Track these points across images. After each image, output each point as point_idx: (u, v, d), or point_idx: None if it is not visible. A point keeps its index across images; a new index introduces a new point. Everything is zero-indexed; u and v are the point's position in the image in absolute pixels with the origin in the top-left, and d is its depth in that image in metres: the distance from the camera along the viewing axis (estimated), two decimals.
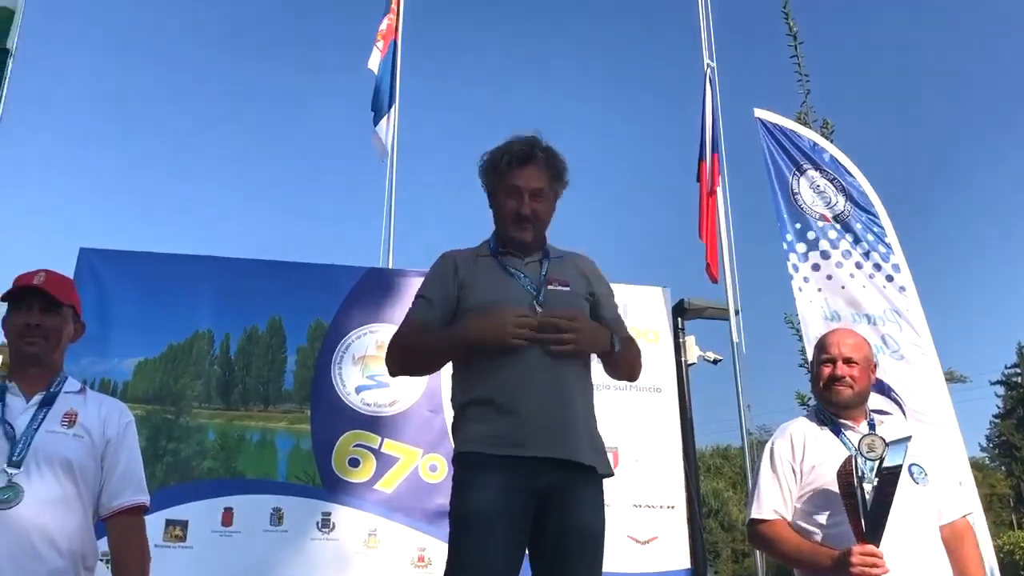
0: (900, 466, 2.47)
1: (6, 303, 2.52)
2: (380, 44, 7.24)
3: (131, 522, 2.50)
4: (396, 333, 2.70)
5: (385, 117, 7.03)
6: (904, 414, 4.65)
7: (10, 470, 2.28)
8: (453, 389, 2.66)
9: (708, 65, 6.45)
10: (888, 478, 2.46)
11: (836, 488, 2.54)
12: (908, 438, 2.58)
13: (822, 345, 2.88)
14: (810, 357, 2.91)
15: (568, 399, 2.53)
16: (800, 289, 5.32)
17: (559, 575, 2.43)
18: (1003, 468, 37.32)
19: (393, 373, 2.76)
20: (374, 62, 7.19)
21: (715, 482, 34.70)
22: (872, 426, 2.74)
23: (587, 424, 2.59)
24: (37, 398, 2.44)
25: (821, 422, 2.80)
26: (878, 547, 2.42)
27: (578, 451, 2.49)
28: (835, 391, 2.76)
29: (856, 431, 2.71)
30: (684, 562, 5.16)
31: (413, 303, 2.71)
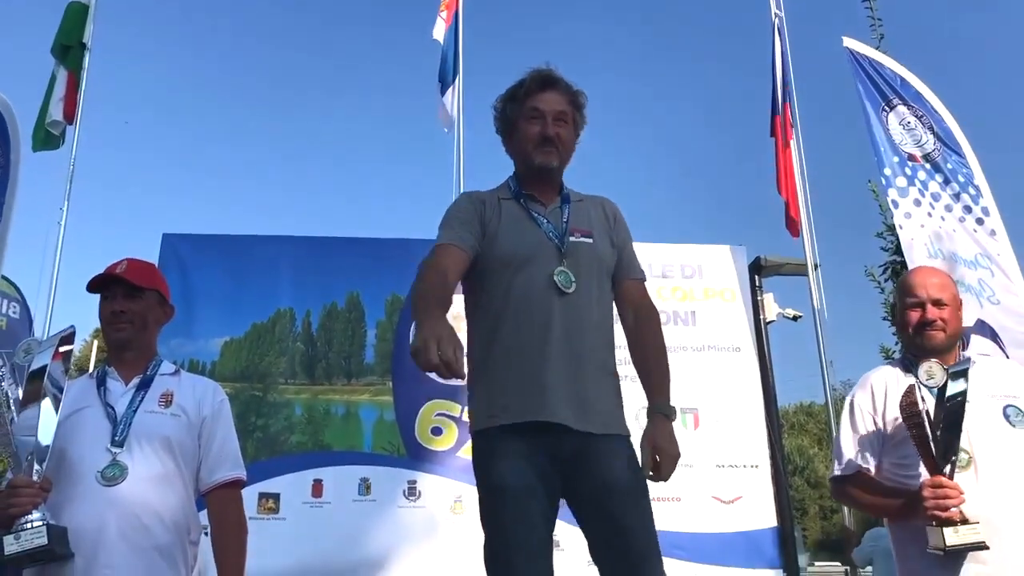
0: (964, 391, 2.37)
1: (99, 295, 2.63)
2: (444, 14, 7.22)
3: (229, 496, 2.59)
4: (423, 267, 2.45)
5: (451, 88, 7.04)
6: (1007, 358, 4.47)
7: (114, 449, 2.40)
8: (468, 346, 2.50)
9: (776, 15, 6.27)
10: (953, 405, 2.36)
11: (910, 437, 2.46)
12: (968, 360, 2.48)
13: (907, 287, 2.70)
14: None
15: (586, 365, 2.42)
16: (901, 227, 5.12)
17: (608, 534, 2.31)
18: None
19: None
20: (438, 31, 7.18)
21: (800, 439, 34.27)
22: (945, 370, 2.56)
23: (603, 390, 2.46)
24: (135, 381, 2.56)
25: (907, 369, 2.66)
26: (951, 478, 2.34)
27: (598, 422, 2.39)
28: (927, 336, 2.61)
29: None
30: (770, 520, 5.12)
31: (440, 237, 2.50)
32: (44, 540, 2.17)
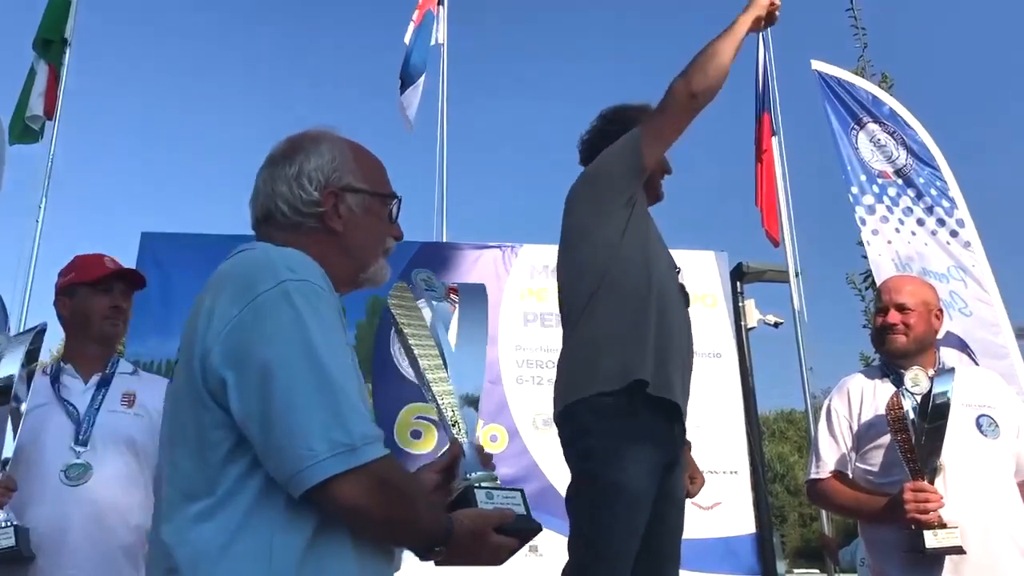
0: (947, 395, 2.40)
1: (78, 284, 2.58)
2: (415, 15, 7.19)
3: None
4: (672, 93, 2.44)
5: (412, 87, 6.99)
6: None
7: (78, 448, 2.37)
8: (601, 321, 2.40)
9: None
10: (936, 411, 2.39)
11: (894, 445, 2.48)
12: (952, 369, 2.52)
13: (877, 293, 2.81)
14: None
15: (688, 371, 2.51)
16: (868, 243, 5.19)
17: (656, 543, 2.34)
18: None
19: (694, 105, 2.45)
20: (409, 37, 7.16)
21: (780, 446, 34.36)
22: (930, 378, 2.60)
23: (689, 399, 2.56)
24: (95, 379, 2.53)
25: (883, 375, 2.69)
26: (932, 483, 2.37)
27: (686, 400, 2.47)
28: (888, 340, 2.65)
29: None
30: (749, 527, 5.14)
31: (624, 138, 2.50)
32: (12, 542, 2.14)
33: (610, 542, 2.21)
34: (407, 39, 7.16)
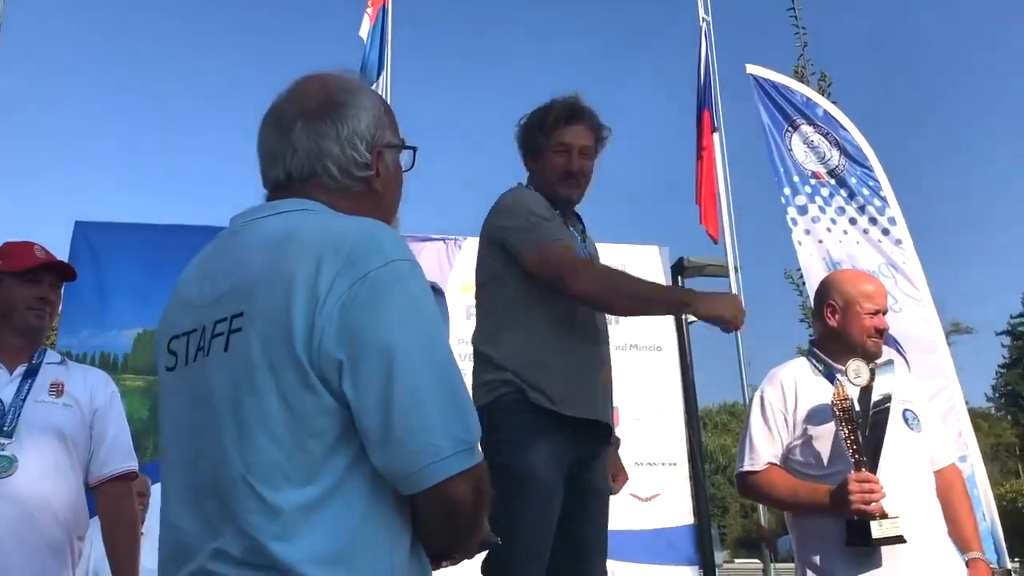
0: (891, 387, 2.49)
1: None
2: (370, 11, 7.11)
3: (122, 489, 2.54)
4: (582, 263, 2.50)
5: (373, 86, 6.94)
6: (908, 366, 4.63)
7: (3, 440, 2.31)
8: (508, 334, 2.48)
9: (704, 19, 6.36)
10: (879, 403, 2.47)
11: (830, 438, 2.52)
12: (890, 362, 2.60)
13: (862, 293, 2.72)
14: (819, 299, 2.81)
15: (603, 360, 2.59)
16: (800, 243, 5.29)
17: (580, 533, 2.42)
18: (1009, 417, 37.29)
19: (598, 303, 2.55)
20: (365, 30, 7.08)
21: (723, 438, 34.98)
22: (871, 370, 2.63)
23: (612, 396, 2.64)
24: (20, 369, 2.46)
25: (815, 368, 2.72)
26: (874, 473, 2.41)
27: (606, 412, 2.54)
28: (877, 344, 2.69)
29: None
30: (687, 518, 5.21)
31: (540, 227, 2.48)
32: None
33: (524, 520, 2.24)
34: (363, 33, 7.07)
